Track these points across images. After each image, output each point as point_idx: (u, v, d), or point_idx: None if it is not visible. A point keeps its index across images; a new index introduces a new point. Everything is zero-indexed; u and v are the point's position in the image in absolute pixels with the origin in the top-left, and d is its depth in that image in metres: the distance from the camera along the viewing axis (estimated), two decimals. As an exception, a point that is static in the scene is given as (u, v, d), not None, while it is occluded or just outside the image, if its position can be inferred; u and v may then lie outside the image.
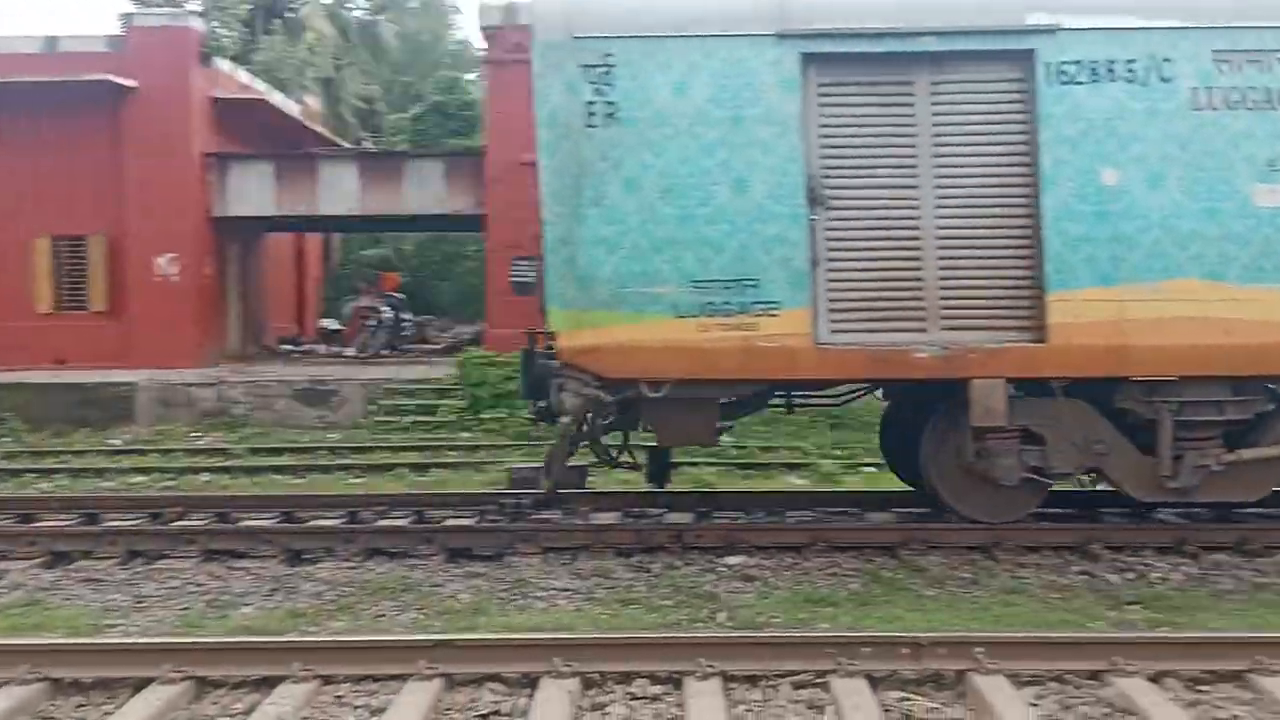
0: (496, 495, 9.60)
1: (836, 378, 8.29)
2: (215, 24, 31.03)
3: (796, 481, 11.96)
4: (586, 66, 7.75)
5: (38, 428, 17.24)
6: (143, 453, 15.00)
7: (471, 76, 36.34)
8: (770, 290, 7.67)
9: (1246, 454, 7.92)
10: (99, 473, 13.14)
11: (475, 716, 4.79)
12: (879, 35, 7.78)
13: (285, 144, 24.53)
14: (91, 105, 20.26)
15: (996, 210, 7.77)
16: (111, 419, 17.81)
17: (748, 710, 4.79)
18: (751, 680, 5.06)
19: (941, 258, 7.75)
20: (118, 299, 20.63)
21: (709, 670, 5.00)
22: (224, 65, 23.09)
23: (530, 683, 5.04)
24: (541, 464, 8.89)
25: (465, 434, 16.63)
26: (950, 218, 7.76)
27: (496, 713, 4.81)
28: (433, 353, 24.20)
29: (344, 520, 9.00)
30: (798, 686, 5.00)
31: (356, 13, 38.37)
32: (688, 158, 7.73)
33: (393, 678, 5.05)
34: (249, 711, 4.83)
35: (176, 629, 6.38)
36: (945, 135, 7.79)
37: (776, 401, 9.05)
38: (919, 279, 7.77)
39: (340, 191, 21.48)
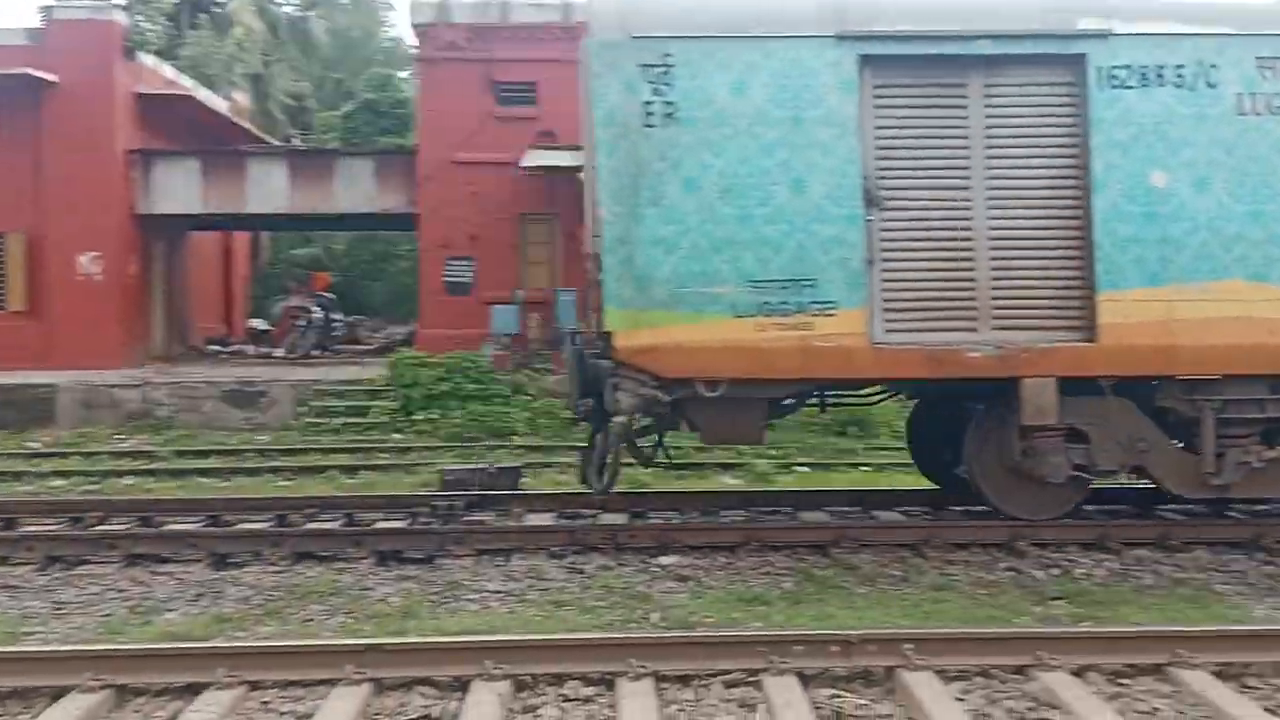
0: (429, 497, 9.52)
1: (892, 377, 8.34)
2: (139, 18, 30.43)
3: (731, 481, 12.02)
4: (645, 66, 7.76)
5: (-47, 431, 16.77)
6: (64, 456, 14.69)
7: (404, 74, 36.03)
8: (827, 290, 7.72)
9: None
10: (17, 476, 12.82)
11: (404, 721, 4.74)
12: (936, 38, 7.88)
13: (212, 141, 24.13)
14: (10, 100, 19.80)
15: (1047, 211, 7.91)
16: (31, 421, 17.39)
17: (680, 710, 4.79)
18: (684, 680, 5.06)
19: (993, 258, 7.86)
20: (38, 298, 20.17)
21: (641, 671, 4.99)
22: (149, 60, 22.65)
23: (461, 686, 4.99)
24: (591, 465, 8.63)
25: (397, 435, 16.49)
26: (1002, 218, 7.88)
27: (427, 717, 4.75)
28: (364, 353, 23.97)
29: (272, 523, 8.86)
30: (730, 685, 5.02)
31: (286, 8, 37.85)
32: (747, 158, 7.75)
33: (320, 683, 4.97)
34: (172, 719, 4.73)
35: (98, 636, 6.23)
36: (997, 137, 7.91)
37: (811, 400, 9.10)
38: (971, 279, 7.87)
39: (269, 189, 21.20)
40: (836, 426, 15.39)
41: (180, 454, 14.75)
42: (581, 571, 7.49)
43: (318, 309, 24.67)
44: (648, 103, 7.75)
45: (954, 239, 7.88)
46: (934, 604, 6.74)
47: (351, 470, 12.94)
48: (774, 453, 13.51)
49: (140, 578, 7.48)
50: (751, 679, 5.02)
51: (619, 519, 8.86)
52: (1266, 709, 4.72)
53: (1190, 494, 8.22)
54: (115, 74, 20.39)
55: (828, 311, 7.71)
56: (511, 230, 21.37)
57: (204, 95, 24.38)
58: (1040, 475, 8.05)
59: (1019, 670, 5.11)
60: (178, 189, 21.09)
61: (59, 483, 12.44)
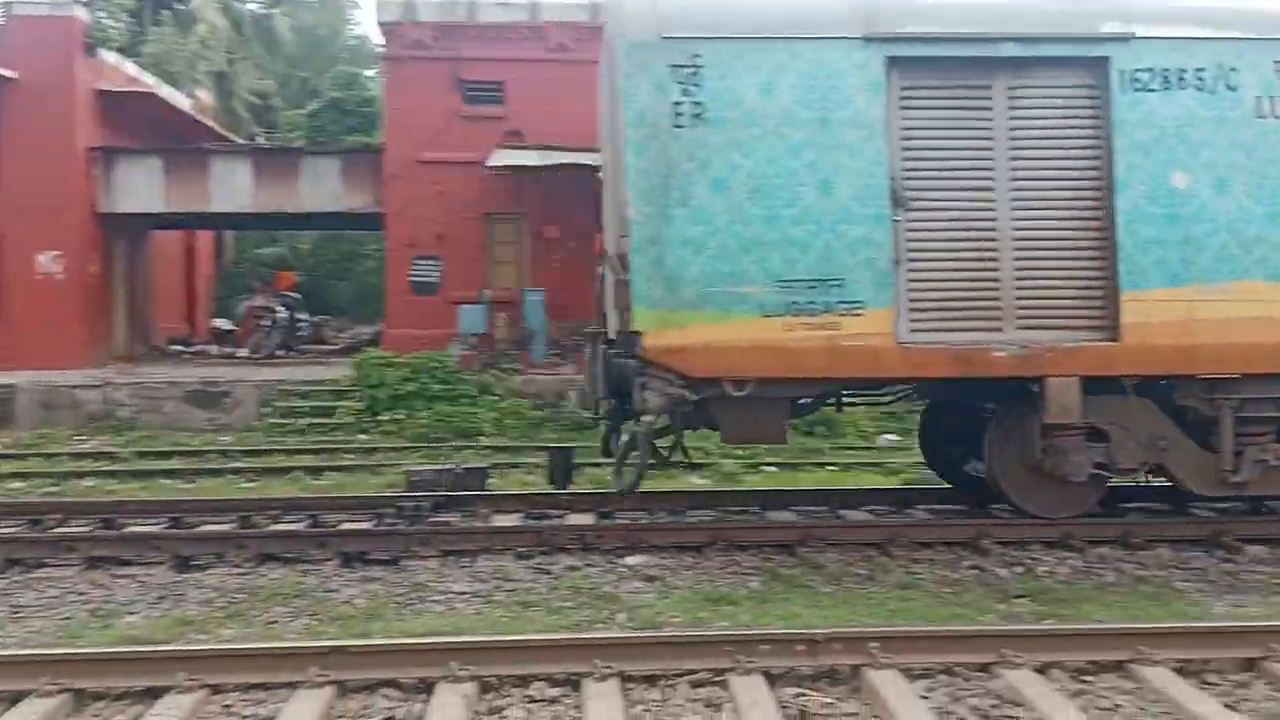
0: (395, 498, 9.47)
1: (918, 376, 8.36)
2: (101, 14, 30.06)
3: (698, 481, 12.03)
4: (675, 67, 7.75)
5: (-91, 432, 16.52)
6: (23, 457, 14.52)
7: (370, 73, 35.83)
8: (855, 290, 7.75)
9: None
10: (-25, 478, 12.61)
11: (368, 723, 4.70)
12: (962, 40, 7.94)
13: (175, 139, 23.89)
14: (-33, 96, 19.50)
15: (1070, 212, 7.97)
16: (-11, 422, 17.14)
17: (646, 710, 4.78)
18: (650, 680, 5.05)
19: (1018, 258, 7.92)
20: (-4, 298, 19.89)
21: (607, 671, 4.98)
22: (110, 57, 22.40)
23: (426, 688, 4.95)
24: (619, 465, 8.61)
25: (363, 436, 16.40)
26: (1026, 219, 7.93)
27: (391, 719, 4.73)
28: (330, 353, 23.81)
29: (236, 525, 8.77)
30: (696, 685, 5.01)
31: (250, 5, 37.50)
32: (775, 158, 7.77)
33: (283, 685, 4.92)
34: (132, 723, 4.67)
35: (57, 640, 6.14)
36: (1021, 138, 7.97)
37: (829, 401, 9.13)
38: (996, 279, 7.92)
39: (233, 188, 21.03)
40: (803, 426, 15.43)
41: (142, 455, 14.59)
42: (549, 572, 7.47)
43: (282, 309, 24.49)
44: (677, 103, 7.77)
45: (979, 239, 7.94)
46: (899, 602, 6.77)
47: (316, 471, 12.86)
48: (740, 453, 13.50)
49: (101, 580, 7.37)
50: (718, 679, 5.02)
51: (586, 519, 8.84)
52: (1226, 705, 4.77)
53: (1209, 492, 8.33)
54: (76, 71, 20.16)
55: (855, 311, 7.75)
56: (478, 230, 21.31)
57: (167, 92, 24.14)
58: (1062, 474, 8.12)
59: (983, 668, 5.14)
60: (140, 187, 20.86)
61: (18, 484, 12.27)
